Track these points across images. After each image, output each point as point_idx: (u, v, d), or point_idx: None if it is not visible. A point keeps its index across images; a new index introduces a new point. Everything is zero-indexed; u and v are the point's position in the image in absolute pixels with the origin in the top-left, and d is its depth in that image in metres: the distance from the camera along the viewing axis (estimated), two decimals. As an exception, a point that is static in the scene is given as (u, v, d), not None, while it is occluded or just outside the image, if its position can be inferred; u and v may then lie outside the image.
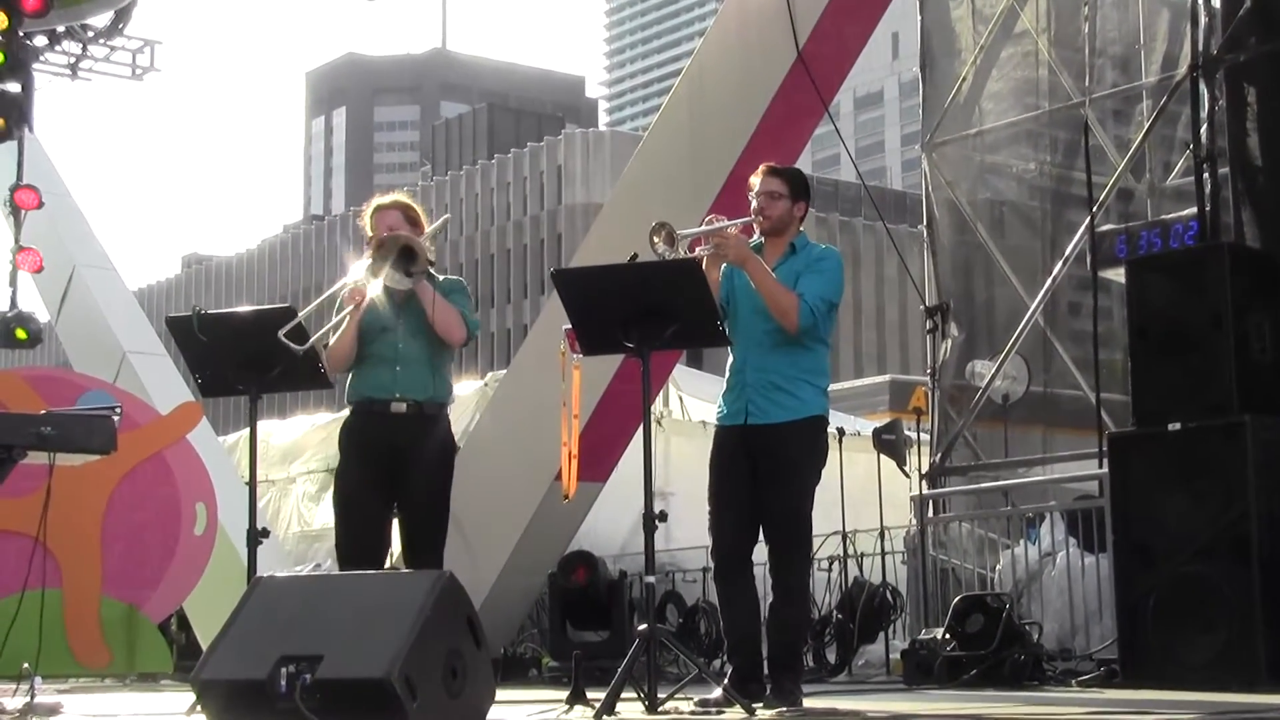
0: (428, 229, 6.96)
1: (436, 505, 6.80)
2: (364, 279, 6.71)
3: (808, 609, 7.48)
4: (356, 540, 6.79)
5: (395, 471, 6.69)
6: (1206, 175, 9.27)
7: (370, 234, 6.88)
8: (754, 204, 6.54)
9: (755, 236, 6.57)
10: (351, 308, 6.71)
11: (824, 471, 6.55)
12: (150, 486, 11.03)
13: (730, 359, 6.53)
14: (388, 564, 7.24)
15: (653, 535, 6.07)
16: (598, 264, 7.00)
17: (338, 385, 7.17)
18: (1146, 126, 11.12)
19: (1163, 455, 8.08)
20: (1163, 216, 10.88)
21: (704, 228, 6.43)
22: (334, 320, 6.80)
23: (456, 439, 12.67)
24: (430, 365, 6.82)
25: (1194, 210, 9.57)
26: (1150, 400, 8.25)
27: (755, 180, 6.59)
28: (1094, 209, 10.85)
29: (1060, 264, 11.55)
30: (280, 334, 6.48)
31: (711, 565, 6.63)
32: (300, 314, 6.67)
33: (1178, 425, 8.00)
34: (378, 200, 7.06)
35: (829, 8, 10.52)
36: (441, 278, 6.96)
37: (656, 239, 6.22)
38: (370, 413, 6.80)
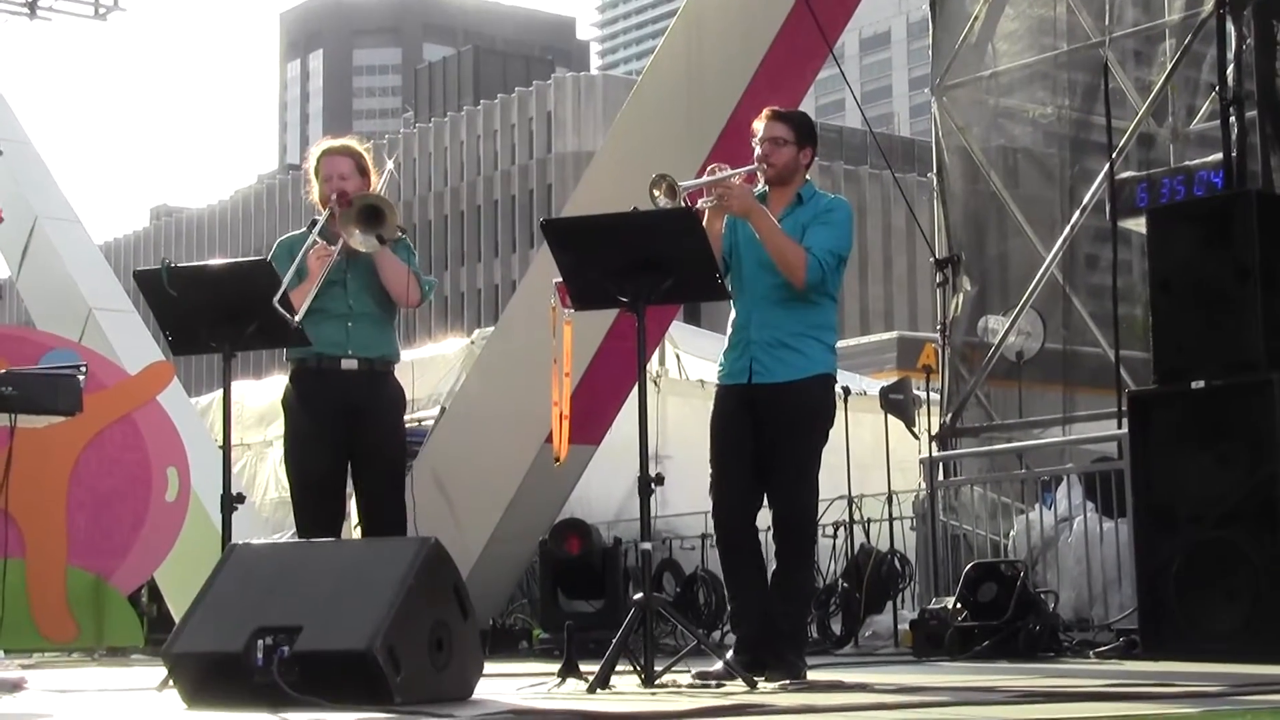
0: (375, 180, 6.95)
1: (395, 467, 6.84)
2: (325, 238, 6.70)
3: (812, 577, 7.50)
4: (317, 507, 6.81)
5: (349, 432, 6.71)
6: (1233, 119, 9.24)
7: (314, 178, 6.87)
8: (757, 151, 6.50)
9: (759, 186, 6.54)
10: (320, 269, 6.68)
11: (829, 433, 6.55)
12: (118, 451, 11.03)
13: (732, 315, 6.51)
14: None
15: (649, 500, 6.07)
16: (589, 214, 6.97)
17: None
18: (1169, 68, 11.09)
19: (1186, 415, 8.06)
20: (1186, 163, 10.84)
21: (705, 179, 6.40)
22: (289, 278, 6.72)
23: (442, 399, 12.69)
24: (380, 322, 6.86)
25: (1219, 156, 9.54)
26: (1173, 357, 8.23)
27: (759, 125, 6.55)
28: (1113, 155, 10.81)
29: (1078, 213, 11.53)
30: (274, 301, 6.45)
31: (712, 532, 6.63)
32: (284, 283, 6.63)
33: (1202, 383, 7.98)
34: (327, 143, 7.05)
35: (834, -58, 10.46)
36: None
37: (656, 191, 6.20)
38: (319, 370, 6.80)
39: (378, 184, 6.98)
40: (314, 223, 6.86)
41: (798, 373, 6.33)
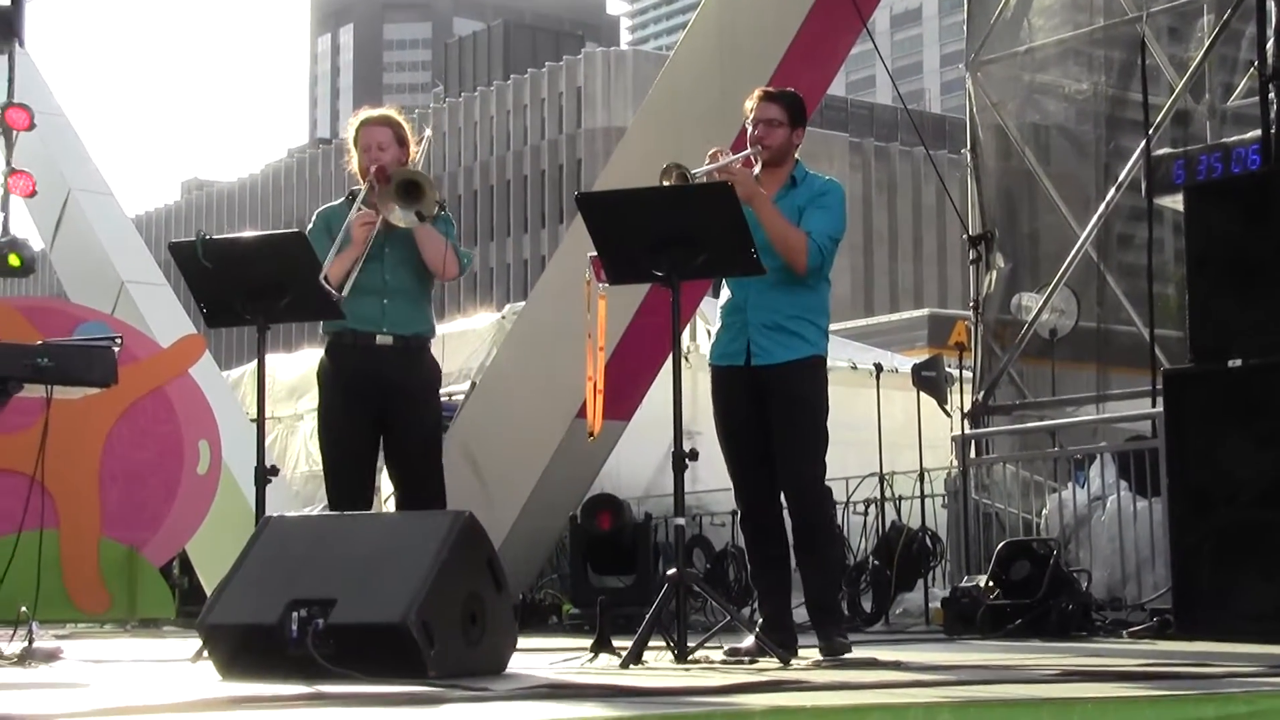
0: (414, 151, 6.92)
1: (431, 442, 6.82)
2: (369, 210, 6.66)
3: (840, 549, 7.51)
4: (348, 482, 6.80)
5: (384, 408, 6.69)
6: (1272, 96, 9.16)
7: (353, 148, 6.84)
8: (751, 132, 6.46)
9: (755, 168, 6.49)
10: (365, 238, 6.65)
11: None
12: (150, 423, 11.06)
13: (726, 297, 6.49)
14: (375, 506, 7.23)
15: (682, 475, 6.05)
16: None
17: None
18: (1207, 44, 11.02)
19: (1221, 394, 8.01)
20: (1223, 140, 10.78)
21: (709, 165, 6.37)
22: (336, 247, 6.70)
23: (473, 374, 12.68)
24: (416, 298, 6.82)
25: (1257, 133, 9.46)
26: (1208, 335, 8.18)
27: (750, 105, 6.50)
28: (1150, 132, 10.75)
29: (1113, 191, 11.48)
30: (320, 278, 6.43)
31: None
32: (328, 260, 6.61)
33: (1238, 362, 7.92)
34: (365, 113, 6.99)
35: (868, -84, 10.41)
36: None
37: (666, 181, 6.19)
38: (354, 345, 6.76)
39: (416, 154, 6.94)
40: (353, 194, 6.83)
41: (796, 354, 6.32)
